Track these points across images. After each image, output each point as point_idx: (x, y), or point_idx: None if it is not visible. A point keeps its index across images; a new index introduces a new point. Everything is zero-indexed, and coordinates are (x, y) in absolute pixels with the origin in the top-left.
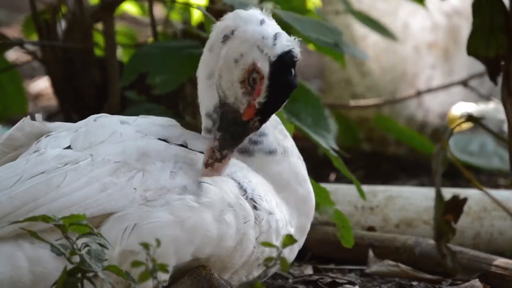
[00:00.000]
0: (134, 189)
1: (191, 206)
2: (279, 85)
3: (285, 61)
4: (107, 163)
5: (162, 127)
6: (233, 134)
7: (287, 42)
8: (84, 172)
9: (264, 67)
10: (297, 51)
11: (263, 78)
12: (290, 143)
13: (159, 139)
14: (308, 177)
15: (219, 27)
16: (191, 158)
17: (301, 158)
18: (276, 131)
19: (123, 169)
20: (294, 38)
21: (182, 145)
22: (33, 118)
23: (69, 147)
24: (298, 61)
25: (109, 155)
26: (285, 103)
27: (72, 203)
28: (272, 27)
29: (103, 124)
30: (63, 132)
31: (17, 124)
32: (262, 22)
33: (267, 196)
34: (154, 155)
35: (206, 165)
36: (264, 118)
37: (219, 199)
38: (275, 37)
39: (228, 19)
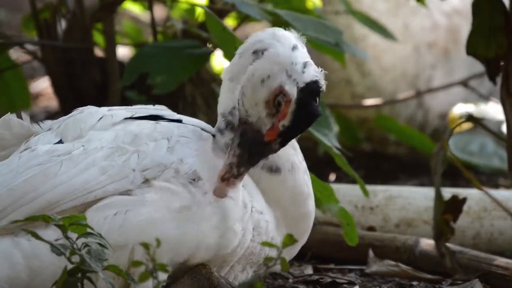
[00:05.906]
0: (133, 170)
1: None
2: (305, 111)
3: (312, 89)
4: (101, 149)
5: (153, 109)
6: (252, 153)
7: (315, 72)
8: (79, 160)
9: (292, 92)
10: (322, 82)
11: (290, 101)
12: (298, 158)
13: (153, 115)
14: (312, 194)
15: (254, 38)
16: (187, 130)
17: (308, 172)
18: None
19: (117, 153)
20: (321, 70)
21: (177, 121)
22: (19, 117)
23: (60, 141)
24: (322, 92)
25: (102, 142)
26: (306, 130)
27: (74, 188)
28: (302, 54)
29: (91, 112)
30: (49, 130)
31: (0, 121)
32: (294, 47)
33: (257, 196)
34: (146, 136)
35: (223, 179)
36: (284, 141)
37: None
38: (305, 65)
39: (265, 34)
